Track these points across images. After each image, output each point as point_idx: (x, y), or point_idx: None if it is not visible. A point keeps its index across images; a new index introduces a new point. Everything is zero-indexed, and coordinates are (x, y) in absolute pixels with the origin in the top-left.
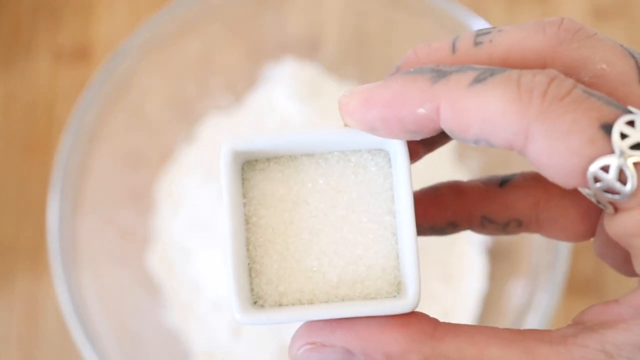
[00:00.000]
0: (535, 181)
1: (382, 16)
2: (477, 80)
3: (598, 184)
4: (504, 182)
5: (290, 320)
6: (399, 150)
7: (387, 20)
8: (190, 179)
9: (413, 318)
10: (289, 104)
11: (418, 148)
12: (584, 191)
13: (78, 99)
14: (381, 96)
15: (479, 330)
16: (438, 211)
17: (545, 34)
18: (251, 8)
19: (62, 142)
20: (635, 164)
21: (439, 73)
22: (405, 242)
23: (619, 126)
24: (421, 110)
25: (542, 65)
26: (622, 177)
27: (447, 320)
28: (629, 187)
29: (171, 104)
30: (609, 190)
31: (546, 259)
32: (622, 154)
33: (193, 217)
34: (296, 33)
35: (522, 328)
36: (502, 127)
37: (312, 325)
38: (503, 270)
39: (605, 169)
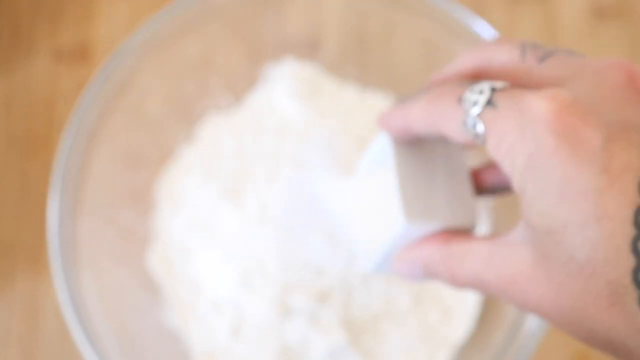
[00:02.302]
0: None
1: (382, 16)
2: (415, 100)
3: (471, 135)
4: None
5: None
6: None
7: (387, 21)
8: (191, 178)
9: (445, 234)
10: (289, 104)
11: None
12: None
13: (78, 99)
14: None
15: (474, 237)
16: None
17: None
18: (251, 8)
19: (62, 142)
20: (478, 115)
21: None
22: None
23: (466, 95)
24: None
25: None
26: (476, 126)
27: (447, 320)
28: (479, 129)
29: (171, 104)
30: (477, 136)
31: None
32: (466, 111)
33: (193, 217)
34: (296, 33)
35: (521, 328)
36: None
37: (401, 249)
38: None
39: (466, 123)
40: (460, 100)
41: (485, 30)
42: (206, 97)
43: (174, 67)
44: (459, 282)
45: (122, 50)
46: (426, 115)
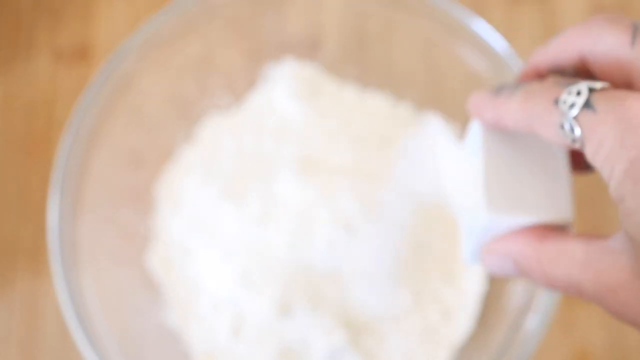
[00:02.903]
0: None
1: (382, 16)
2: (511, 93)
3: (568, 139)
4: None
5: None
6: None
7: (387, 21)
8: (191, 178)
9: (539, 228)
10: (289, 104)
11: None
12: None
13: (78, 99)
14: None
15: (568, 233)
16: None
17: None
18: (251, 8)
19: (62, 142)
20: (575, 117)
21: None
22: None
23: (563, 97)
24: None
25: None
26: (574, 129)
27: (447, 320)
28: (577, 132)
29: (171, 103)
30: (575, 141)
31: None
32: (563, 114)
33: (193, 217)
34: (296, 33)
35: (521, 327)
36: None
37: (491, 241)
38: None
39: (562, 127)
40: (556, 101)
41: (485, 30)
42: (206, 97)
43: (174, 67)
44: (552, 283)
45: (122, 50)
46: (521, 115)
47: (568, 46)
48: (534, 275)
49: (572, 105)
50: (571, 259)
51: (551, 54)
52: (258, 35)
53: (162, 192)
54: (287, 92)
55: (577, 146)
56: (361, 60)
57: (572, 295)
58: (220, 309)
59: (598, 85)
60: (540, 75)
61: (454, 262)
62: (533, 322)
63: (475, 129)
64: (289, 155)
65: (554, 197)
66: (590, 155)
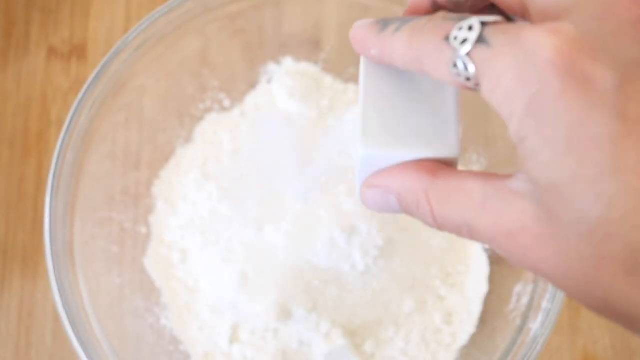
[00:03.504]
0: None
1: (382, 16)
2: (396, 29)
3: (461, 78)
4: None
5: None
6: None
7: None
8: (189, 179)
9: (428, 162)
10: (288, 104)
11: None
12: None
13: (75, 98)
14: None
15: (465, 171)
16: None
17: None
18: (251, 8)
19: (58, 141)
20: (468, 54)
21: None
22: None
23: (453, 33)
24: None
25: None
26: (467, 67)
27: (451, 322)
28: (471, 70)
29: (170, 103)
30: (469, 79)
31: None
32: (454, 51)
33: (192, 218)
34: (296, 33)
35: (525, 329)
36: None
37: (372, 174)
38: (507, 272)
39: (455, 65)
40: (447, 38)
41: None
42: (206, 97)
43: (173, 66)
44: (440, 223)
45: (120, 48)
46: (408, 53)
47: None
48: (421, 212)
49: (464, 41)
50: (467, 198)
51: None
52: (258, 35)
53: (161, 193)
54: (287, 92)
55: (471, 85)
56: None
57: (461, 236)
58: (219, 311)
59: (491, 18)
60: (429, 9)
61: (455, 263)
62: (536, 324)
63: (361, 63)
64: (289, 155)
65: (439, 133)
66: (487, 93)
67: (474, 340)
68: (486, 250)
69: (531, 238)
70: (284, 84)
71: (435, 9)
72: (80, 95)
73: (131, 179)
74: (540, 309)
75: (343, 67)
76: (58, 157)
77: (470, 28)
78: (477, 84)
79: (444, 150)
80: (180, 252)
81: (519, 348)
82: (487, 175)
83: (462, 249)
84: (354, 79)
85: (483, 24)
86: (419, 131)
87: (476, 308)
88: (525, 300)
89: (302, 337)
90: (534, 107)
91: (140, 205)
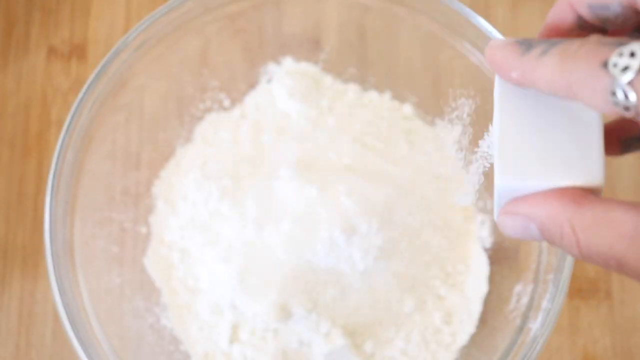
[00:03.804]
0: None
1: (382, 16)
2: (543, 52)
3: (619, 107)
4: None
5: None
6: None
7: (387, 20)
8: (189, 179)
9: (572, 190)
10: (289, 104)
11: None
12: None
13: (75, 98)
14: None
15: (613, 200)
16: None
17: None
18: (251, 8)
19: (58, 141)
20: (629, 82)
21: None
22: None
23: (613, 59)
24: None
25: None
26: (628, 96)
27: (451, 322)
28: (632, 99)
29: (170, 103)
30: (628, 109)
31: (550, 261)
32: (614, 79)
33: (192, 218)
34: (296, 33)
35: (525, 329)
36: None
37: (512, 200)
38: (507, 272)
39: (613, 93)
40: (604, 64)
41: (487, 27)
42: (206, 97)
43: (173, 66)
44: (586, 254)
45: (120, 48)
46: (558, 79)
47: None
48: (565, 242)
49: (625, 69)
50: (617, 229)
51: None
52: (258, 35)
53: (161, 192)
54: (287, 92)
55: (630, 115)
56: (361, 59)
57: (609, 270)
58: (219, 311)
59: None
60: (568, 28)
61: (455, 263)
62: (536, 325)
63: (496, 85)
64: (289, 155)
65: (583, 159)
66: None
67: (474, 340)
68: (486, 250)
69: None
70: (284, 84)
71: (579, 25)
72: (80, 95)
73: (131, 179)
74: (540, 309)
75: (343, 67)
76: (58, 157)
77: (632, 54)
78: (638, 114)
79: (588, 178)
80: (180, 252)
81: (519, 348)
82: (638, 206)
83: (462, 249)
84: (354, 79)
85: None
86: (561, 158)
87: (476, 308)
88: (525, 300)
89: (302, 337)
90: None
91: (140, 205)
